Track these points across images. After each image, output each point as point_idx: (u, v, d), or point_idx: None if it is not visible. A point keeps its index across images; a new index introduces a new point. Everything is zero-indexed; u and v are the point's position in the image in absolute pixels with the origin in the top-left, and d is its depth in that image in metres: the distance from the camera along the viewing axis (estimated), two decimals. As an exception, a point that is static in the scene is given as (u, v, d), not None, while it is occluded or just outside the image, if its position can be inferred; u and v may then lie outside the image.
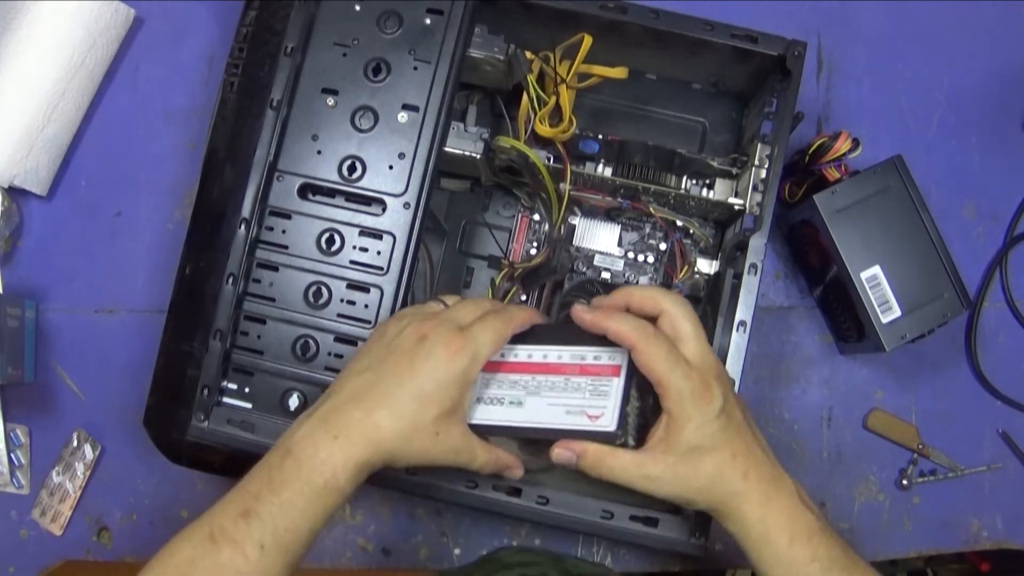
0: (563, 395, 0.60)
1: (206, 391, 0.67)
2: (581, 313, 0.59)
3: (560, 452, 0.59)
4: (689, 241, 0.82)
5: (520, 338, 0.61)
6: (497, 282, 0.78)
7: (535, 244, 0.82)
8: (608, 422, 0.58)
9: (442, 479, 0.67)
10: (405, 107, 0.68)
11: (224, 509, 0.53)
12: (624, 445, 0.59)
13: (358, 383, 0.56)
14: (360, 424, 0.53)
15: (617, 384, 0.59)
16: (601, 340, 0.59)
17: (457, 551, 0.84)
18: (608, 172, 0.79)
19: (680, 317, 0.58)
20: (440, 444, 0.56)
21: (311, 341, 0.67)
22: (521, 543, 0.83)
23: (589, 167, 0.80)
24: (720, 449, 0.57)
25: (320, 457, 0.52)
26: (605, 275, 0.82)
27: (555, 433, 0.59)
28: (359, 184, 0.67)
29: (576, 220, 0.82)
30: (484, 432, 0.61)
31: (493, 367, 0.62)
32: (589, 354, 0.61)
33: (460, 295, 0.64)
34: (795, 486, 0.59)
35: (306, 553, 0.54)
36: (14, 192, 0.85)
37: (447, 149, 0.70)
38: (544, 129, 0.73)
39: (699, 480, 0.57)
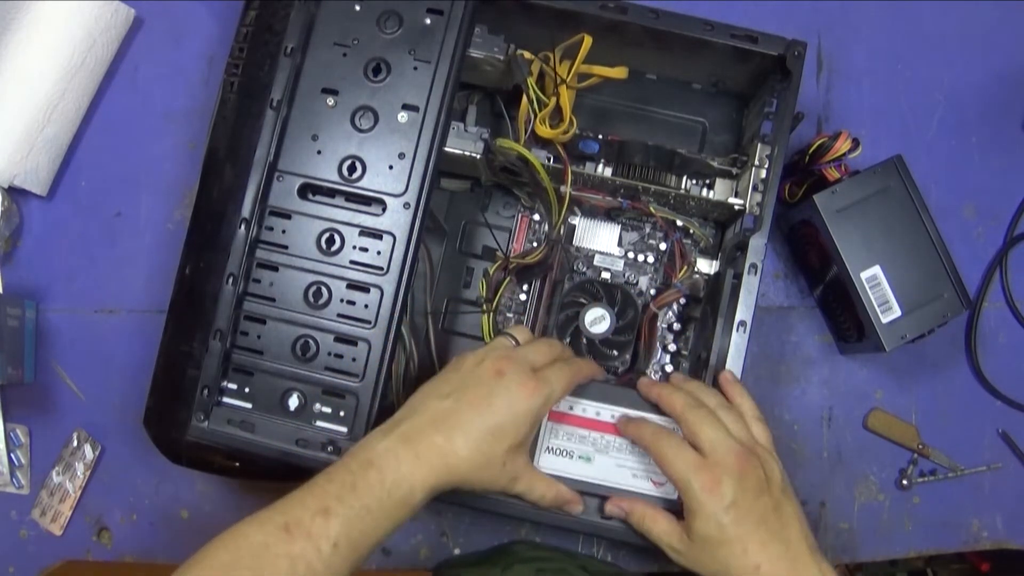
0: (630, 458, 0.66)
1: (206, 391, 0.67)
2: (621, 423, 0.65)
3: (612, 508, 0.65)
4: (689, 241, 0.82)
5: (588, 394, 0.66)
6: (491, 272, 0.78)
7: (535, 244, 0.82)
8: (671, 490, 0.65)
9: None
10: (405, 107, 0.68)
11: (302, 504, 0.54)
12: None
13: (439, 408, 0.58)
14: (440, 448, 0.57)
15: None
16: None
17: (457, 551, 0.84)
18: (608, 172, 0.79)
19: (696, 427, 0.61)
20: (506, 474, 0.60)
21: (311, 341, 0.67)
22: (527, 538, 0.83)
23: (589, 167, 0.80)
24: (731, 542, 0.59)
25: (402, 472, 0.55)
26: (605, 275, 0.82)
27: (622, 493, 0.66)
28: (359, 184, 0.67)
29: (576, 220, 0.82)
30: None
31: (562, 418, 0.66)
32: (657, 418, 0.66)
33: (527, 330, 0.67)
34: None
35: (367, 559, 0.56)
36: (14, 192, 0.85)
37: (447, 149, 0.70)
38: (544, 130, 0.73)
39: (710, 568, 0.61)
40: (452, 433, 0.57)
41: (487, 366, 0.60)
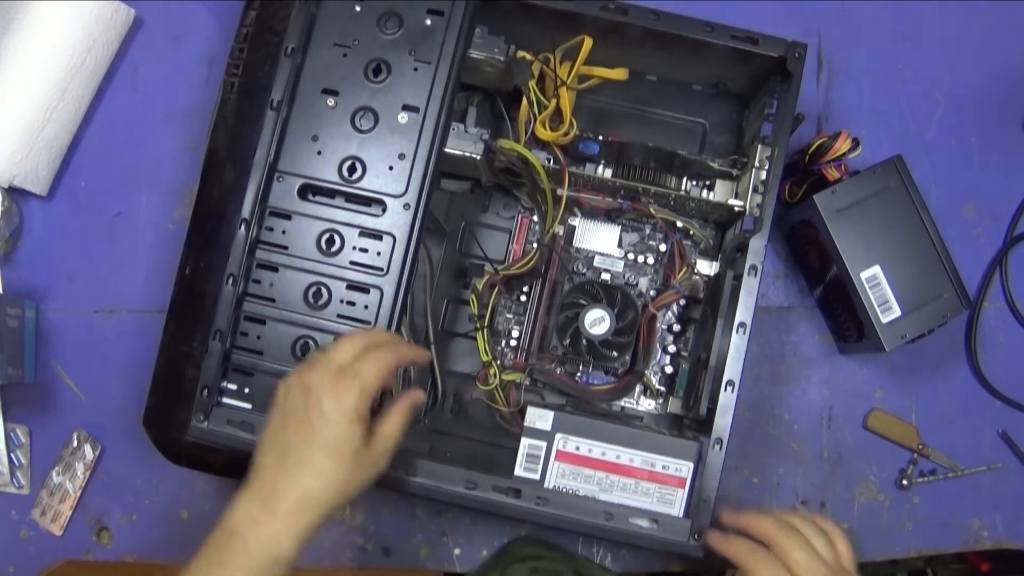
0: (633, 497, 0.67)
1: (206, 391, 0.67)
2: (710, 538, 0.65)
3: (717, 542, 0.65)
4: (689, 242, 0.82)
5: (593, 435, 0.68)
6: (480, 288, 0.78)
7: (535, 245, 0.82)
8: (672, 509, 0.68)
9: (442, 480, 0.67)
10: (405, 108, 0.68)
11: None
12: None
13: (275, 455, 0.57)
14: (292, 494, 0.56)
15: (681, 496, 0.67)
16: (669, 450, 0.67)
17: (457, 551, 0.84)
18: (608, 173, 0.79)
19: (788, 549, 0.61)
20: (367, 469, 0.58)
21: (311, 342, 0.67)
22: (527, 536, 0.83)
23: (589, 168, 0.80)
24: None
25: (264, 534, 0.55)
26: (605, 276, 0.82)
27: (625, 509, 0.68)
28: (359, 185, 0.67)
29: (576, 221, 0.82)
30: None
31: (568, 459, 0.68)
32: (658, 462, 0.68)
33: (348, 336, 0.62)
34: None
35: None
36: (14, 192, 0.85)
37: (447, 150, 0.70)
38: (544, 133, 0.73)
39: None
40: (296, 476, 0.56)
41: (295, 390, 0.58)
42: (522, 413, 0.69)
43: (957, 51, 0.89)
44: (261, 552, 0.55)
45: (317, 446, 0.56)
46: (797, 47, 0.71)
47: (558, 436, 0.68)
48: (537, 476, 0.67)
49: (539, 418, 0.68)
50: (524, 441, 0.68)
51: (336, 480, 0.56)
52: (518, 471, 0.68)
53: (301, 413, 0.57)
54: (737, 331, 0.68)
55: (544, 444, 0.68)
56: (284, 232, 0.68)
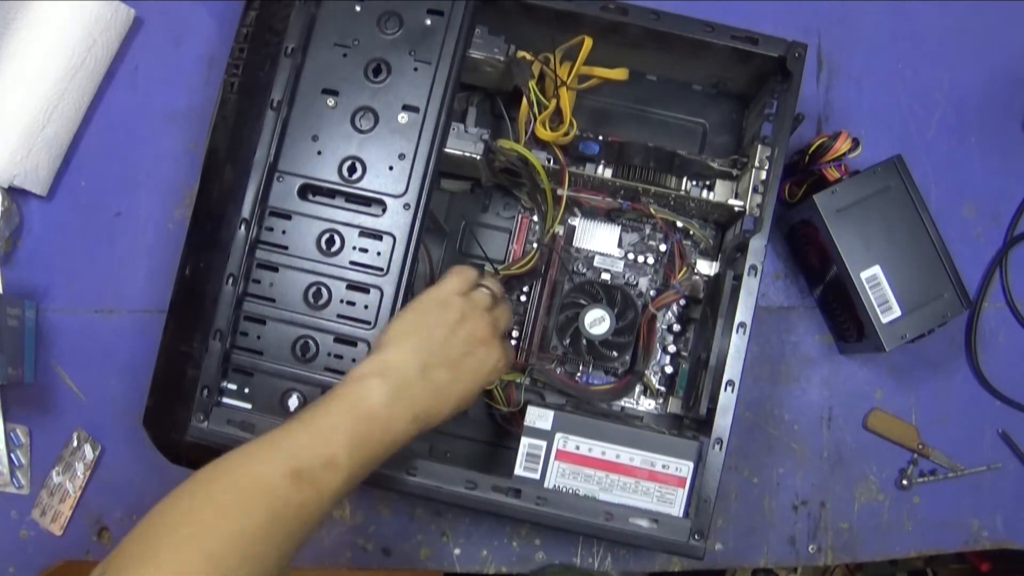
0: (633, 497, 0.68)
1: (206, 391, 0.67)
2: None
3: None
4: (689, 242, 0.82)
5: (593, 434, 0.68)
6: None
7: (535, 245, 0.82)
8: (671, 508, 0.68)
9: (442, 480, 0.67)
10: (405, 108, 0.68)
11: (311, 450, 0.55)
12: None
13: (436, 377, 0.61)
14: (437, 412, 0.61)
15: (681, 495, 0.67)
16: (669, 450, 0.67)
17: (457, 551, 0.84)
18: (608, 173, 0.79)
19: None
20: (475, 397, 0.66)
21: (311, 342, 0.67)
22: (560, 563, 0.83)
23: (589, 168, 0.80)
24: None
25: (399, 429, 0.59)
26: (605, 276, 0.82)
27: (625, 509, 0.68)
28: (359, 185, 0.67)
29: (576, 221, 0.82)
30: None
31: (568, 458, 0.68)
32: (658, 461, 0.68)
33: (496, 282, 0.70)
34: None
35: None
36: (14, 192, 0.85)
37: (447, 150, 0.70)
38: (544, 133, 0.73)
39: None
40: (446, 402, 0.61)
41: (476, 333, 0.63)
42: (522, 413, 0.69)
43: (957, 51, 0.89)
44: (393, 446, 0.59)
45: (471, 389, 0.63)
46: (797, 47, 0.71)
47: (558, 435, 0.68)
48: (537, 475, 0.68)
49: (539, 417, 0.68)
50: (524, 440, 0.68)
51: (450, 412, 0.62)
52: (518, 470, 0.68)
53: (475, 361, 0.63)
54: (737, 331, 0.68)
55: (544, 443, 0.68)
56: (284, 232, 0.68)
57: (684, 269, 0.79)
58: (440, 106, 0.67)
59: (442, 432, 0.82)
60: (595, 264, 0.82)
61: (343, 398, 0.58)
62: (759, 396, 0.85)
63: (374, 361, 0.60)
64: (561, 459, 0.68)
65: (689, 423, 0.77)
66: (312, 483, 0.54)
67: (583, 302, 0.79)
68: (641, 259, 0.82)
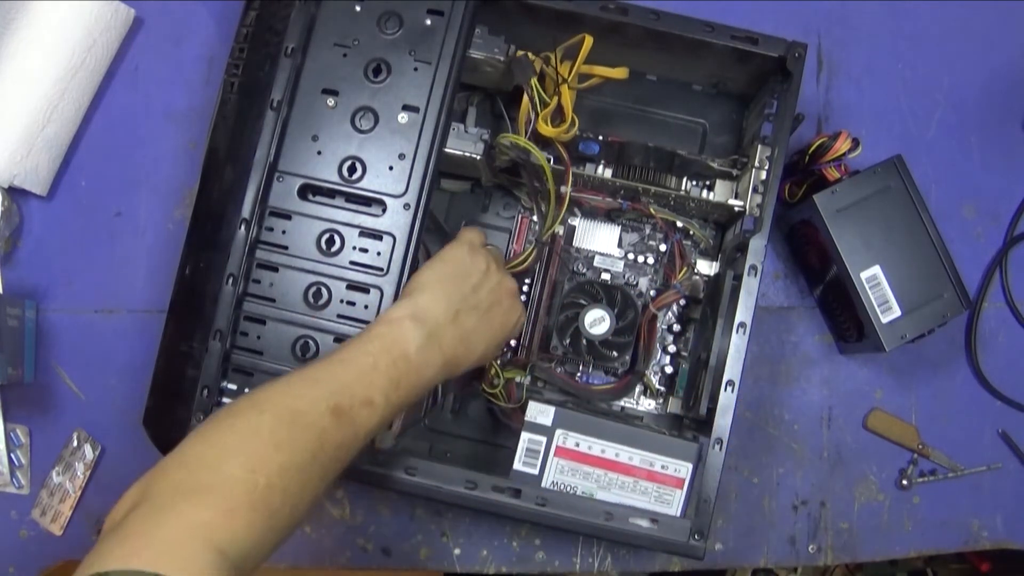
0: (631, 496, 0.68)
1: (206, 391, 0.67)
2: None
3: None
4: (689, 242, 0.82)
5: (593, 432, 0.68)
6: None
7: (533, 243, 0.82)
8: (669, 508, 0.68)
9: (442, 480, 0.67)
10: (405, 108, 0.68)
11: (349, 390, 0.56)
12: None
13: (468, 322, 0.63)
14: (465, 359, 0.63)
15: (679, 496, 0.68)
16: (669, 450, 0.67)
17: (457, 551, 0.84)
18: (608, 173, 0.79)
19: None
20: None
21: (311, 342, 0.67)
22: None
23: (589, 168, 0.80)
24: None
25: (431, 374, 0.60)
26: (605, 276, 0.82)
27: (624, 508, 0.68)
28: (359, 185, 0.67)
29: (576, 221, 0.82)
30: None
31: (567, 455, 0.68)
32: (657, 462, 0.68)
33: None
34: None
35: None
36: (14, 192, 0.85)
37: (447, 150, 0.70)
38: (546, 129, 0.73)
39: None
40: (473, 349, 0.63)
41: (503, 283, 0.66)
42: (523, 409, 0.69)
43: (957, 51, 0.89)
44: (425, 389, 0.60)
45: (498, 340, 0.66)
46: (797, 47, 0.71)
47: (558, 432, 0.68)
48: (536, 471, 0.68)
49: (540, 413, 0.68)
50: (524, 436, 0.68)
51: (485, 361, 0.67)
52: (517, 465, 0.68)
53: (503, 314, 0.66)
54: (737, 331, 0.68)
55: (544, 439, 0.68)
56: (284, 232, 0.68)
57: (684, 269, 0.80)
58: (440, 106, 0.67)
59: (442, 432, 0.82)
60: (595, 264, 0.82)
61: (380, 338, 0.59)
62: (759, 396, 0.85)
63: (407, 305, 0.61)
64: (560, 456, 0.68)
65: (689, 423, 0.77)
66: (351, 422, 0.55)
67: (583, 302, 0.79)
68: (641, 259, 0.82)
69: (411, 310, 0.61)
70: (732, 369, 0.68)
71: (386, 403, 0.57)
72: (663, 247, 0.82)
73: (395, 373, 0.58)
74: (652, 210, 0.78)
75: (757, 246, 0.69)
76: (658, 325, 0.81)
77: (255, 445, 0.51)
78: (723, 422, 0.67)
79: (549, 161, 0.75)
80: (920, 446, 0.84)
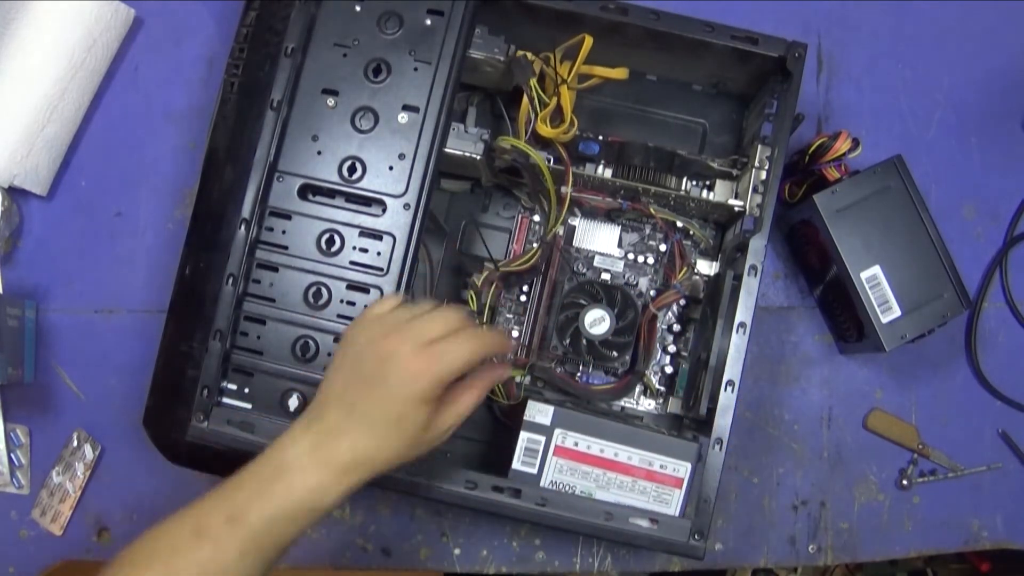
0: (630, 495, 0.68)
1: (206, 391, 0.67)
2: None
3: None
4: (689, 242, 0.82)
5: (592, 432, 0.68)
6: (479, 284, 0.77)
7: (536, 245, 0.82)
8: (668, 507, 0.68)
9: (442, 480, 0.67)
10: (405, 108, 0.68)
11: (212, 508, 0.55)
12: None
13: (338, 407, 0.56)
14: (350, 452, 0.55)
15: (678, 496, 0.68)
16: (668, 450, 0.67)
17: (457, 551, 0.84)
18: (608, 173, 0.79)
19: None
20: (426, 442, 0.57)
21: (311, 342, 0.67)
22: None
23: (589, 168, 0.80)
24: None
25: (311, 482, 0.54)
26: (605, 276, 0.82)
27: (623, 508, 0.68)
28: (359, 185, 0.67)
29: (576, 221, 0.82)
30: None
31: (566, 454, 0.68)
32: (656, 461, 0.68)
33: (429, 301, 0.61)
34: None
35: (283, 558, 0.56)
36: (14, 192, 0.85)
37: (447, 150, 0.70)
38: (545, 129, 0.73)
39: None
40: (357, 435, 0.55)
41: (375, 348, 0.56)
42: (522, 408, 0.69)
43: (957, 51, 0.89)
44: (305, 498, 0.54)
45: (381, 415, 0.55)
46: (797, 47, 0.71)
47: (557, 431, 0.68)
48: (535, 471, 0.68)
49: (539, 412, 0.68)
50: (523, 435, 0.68)
51: (394, 450, 0.55)
52: (516, 465, 0.68)
53: (373, 377, 0.55)
54: (737, 331, 0.68)
55: (543, 439, 0.68)
56: (284, 232, 0.68)
57: (684, 269, 0.79)
58: (440, 106, 0.68)
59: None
60: (595, 264, 0.82)
61: (262, 455, 0.56)
62: (759, 396, 0.85)
63: (305, 413, 0.58)
64: (559, 455, 0.68)
65: (689, 423, 0.77)
66: (212, 540, 0.53)
67: (583, 302, 0.79)
68: (641, 259, 0.82)
69: (304, 416, 0.57)
70: (732, 369, 0.68)
71: (253, 516, 0.53)
72: (663, 247, 0.82)
73: (258, 486, 0.55)
74: (652, 210, 0.78)
75: (757, 246, 0.69)
76: (658, 325, 0.81)
77: (117, 568, 0.54)
78: (723, 422, 0.67)
79: (549, 162, 0.75)
80: (920, 446, 0.84)
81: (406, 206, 0.67)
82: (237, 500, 0.54)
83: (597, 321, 0.78)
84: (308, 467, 0.54)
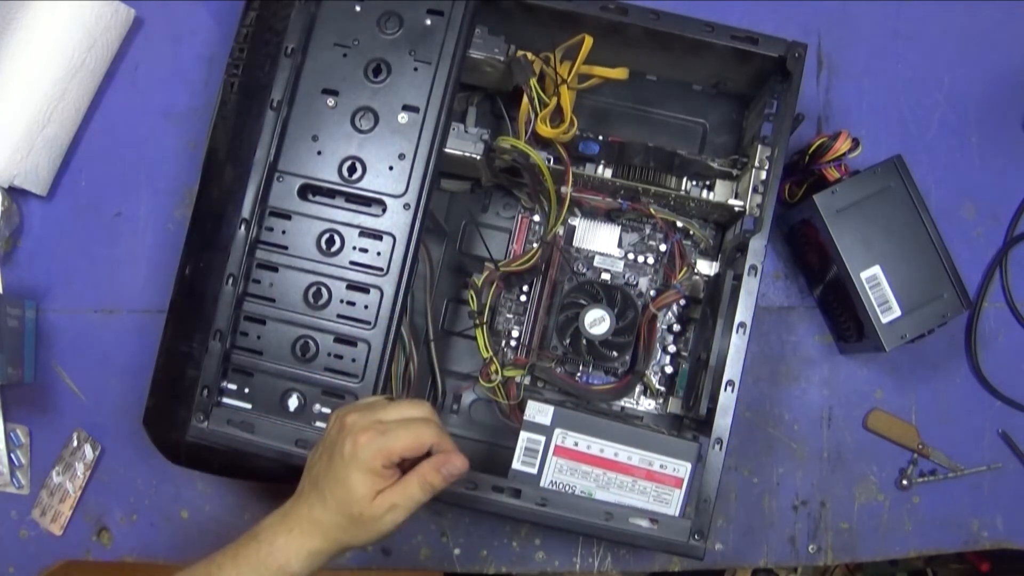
0: (630, 495, 0.68)
1: (206, 391, 0.67)
2: None
3: None
4: (689, 242, 0.82)
5: (592, 432, 0.68)
6: (479, 284, 0.77)
7: (535, 245, 0.82)
8: (668, 508, 0.68)
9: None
10: (405, 108, 0.68)
11: (192, 571, 0.59)
12: None
13: (309, 478, 0.60)
14: (308, 518, 0.59)
15: (678, 496, 0.67)
16: (668, 450, 0.67)
17: (457, 551, 0.84)
18: (608, 173, 0.79)
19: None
20: (364, 529, 0.58)
21: (311, 342, 0.67)
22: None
23: (589, 168, 0.80)
24: None
25: (277, 544, 0.58)
26: (605, 276, 0.82)
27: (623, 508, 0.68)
28: (359, 185, 0.67)
29: (576, 221, 0.82)
30: None
31: (566, 454, 0.68)
32: (656, 461, 0.68)
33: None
34: None
35: None
36: (14, 192, 0.85)
37: (447, 150, 0.70)
38: (545, 129, 0.73)
39: None
40: (314, 501, 0.58)
41: (340, 422, 0.59)
42: (522, 407, 0.69)
43: (957, 51, 0.89)
44: (271, 561, 0.58)
45: (330, 484, 0.58)
46: (797, 47, 0.71)
47: (557, 431, 0.68)
48: (535, 471, 0.68)
49: (539, 412, 0.68)
50: (523, 435, 0.68)
51: (337, 521, 0.58)
52: (516, 465, 0.68)
53: (331, 448, 0.59)
54: (737, 331, 0.68)
55: (543, 439, 0.68)
56: (284, 232, 0.68)
57: (684, 269, 0.79)
58: (440, 106, 0.68)
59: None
60: (595, 264, 0.82)
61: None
62: (759, 396, 0.85)
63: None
64: (559, 455, 0.68)
65: (689, 423, 0.77)
66: None
67: (583, 302, 0.79)
68: (641, 259, 0.82)
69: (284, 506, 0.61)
70: (732, 369, 0.68)
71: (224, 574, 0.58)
72: (663, 247, 0.82)
73: (232, 548, 0.59)
74: (652, 210, 0.78)
75: (757, 246, 0.69)
76: (658, 325, 0.81)
77: None
78: (723, 422, 0.67)
79: (549, 162, 0.75)
80: (920, 446, 0.84)
81: (406, 206, 0.67)
82: (213, 563, 0.59)
83: (597, 321, 0.78)
84: (276, 532, 0.59)
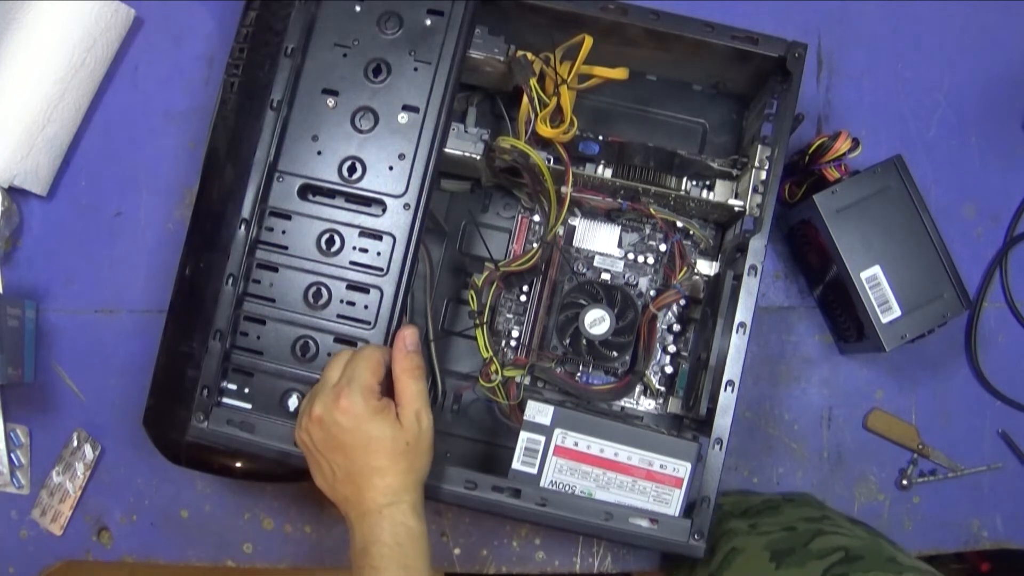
0: (629, 495, 0.68)
1: (206, 391, 0.67)
2: None
3: None
4: (689, 242, 0.82)
5: (592, 432, 0.68)
6: (480, 284, 0.77)
7: (535, 245, 0.82)
8: (668, 508, 0.68)
9: (442, 480, 0.67)
10: (405, 108, 0.68)
11: None
12: None
13: (341, 484, 0.61)
14: (382, 492, 0.60)
15: (678, 496, 0.67)
16: (668, 450, 0.67)
17: (457, 551, 0.84)
18: (608, 173, 0.79)
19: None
20: (419, 444, 0.62)
21: (311, 342, 0.67)
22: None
23: (589, 168, 0.80)
24: None
25: (386, 530, 0.59)
26: (605, 276, 0.82)
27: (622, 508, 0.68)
28: (359, 185, 0.67)
29: (576, 221, 0.82)
30: None
31: (566, 454, 0.68)
32: (656, 461, 0.68)
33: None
34: None
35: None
36: (14, 192, 0.85)
37: (447, 150, 0.70)
38: (545, 130, 0.73)
39: None
40: (373, 482, 0.60)
41: (310, 428, 0.61)
42: (522, 407, 0.69)
43: (957, 51, 0.89)
44: (399, 540, 0.59)
45: (361, 458, 0.60)
46: (797, 47, 0.71)
47: (557, 431, 0.68)
48: (535, 470, 0.68)
49: (539, 412, 0.68)
50: (523, 435, 0.68)
51: (401, 469, 0.60)
52: (516, 464, 0.68)
53: (331, 442, 0.60)
54: (737, 331, 0.68)
55: (543, 439, 0.68)
56: (284, 232, 0.68)
57: (684, 269, 0.79)
58: (440, 106, 0.67)
59: (442, 432, 0.82)
60: (595, 264, 0.82)
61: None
62: (759, 396, 0.85)
63: None
64: (559, 455, 0.68)
65: (689, 423, 0.77)
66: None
67: (583, 302, 0.79)
68: (641, 259, 0.82)
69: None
70: (732, 369, 0.68)
71: None
72: (663, 247, 0.82)
73: (365, 561, 0.60)
74: (652, 210, 0.78)
75: (757, 246, 0.69)
76: (658, 325, 0.81)
77: None
78: (723, 422, 0.67)
79: (549, 162, 0.75)
80: (920, 446, 0.84)
81: (406, 206, 0.67)
82: None
83: (597, 321, 0.78)
84: (377, 529, 0.59)
